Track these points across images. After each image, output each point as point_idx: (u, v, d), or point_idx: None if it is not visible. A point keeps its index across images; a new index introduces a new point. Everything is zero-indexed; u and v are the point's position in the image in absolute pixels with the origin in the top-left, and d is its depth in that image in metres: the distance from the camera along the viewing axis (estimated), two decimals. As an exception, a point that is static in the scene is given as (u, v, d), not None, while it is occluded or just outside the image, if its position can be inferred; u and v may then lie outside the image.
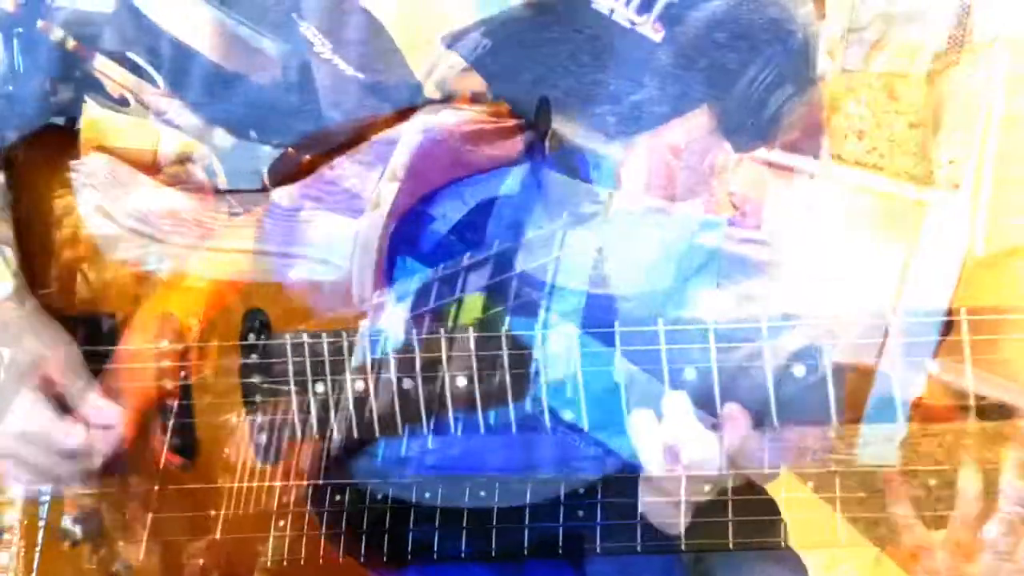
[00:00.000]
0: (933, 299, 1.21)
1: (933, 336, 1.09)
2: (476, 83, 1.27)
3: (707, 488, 1.15)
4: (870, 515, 1.12)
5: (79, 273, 1.39)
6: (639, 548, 1.21)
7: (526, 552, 1.25)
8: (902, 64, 1.27)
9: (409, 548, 1.27)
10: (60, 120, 1.40)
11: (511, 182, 1.25)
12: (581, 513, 1.24)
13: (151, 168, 1.36)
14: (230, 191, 1.35)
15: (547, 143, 1.24)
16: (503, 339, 1.21)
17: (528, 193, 1.25)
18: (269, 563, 1.31)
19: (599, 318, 1.20)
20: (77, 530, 1.37)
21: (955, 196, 1.24)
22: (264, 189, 1.32)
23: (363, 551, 1.29)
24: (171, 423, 1.34)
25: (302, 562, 1.30)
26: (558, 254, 1.23)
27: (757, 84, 1.23)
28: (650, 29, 1.23)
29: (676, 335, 1.14)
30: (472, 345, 1.21)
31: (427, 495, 1.28)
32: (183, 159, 1.35)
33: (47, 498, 1.39)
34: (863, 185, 1.27)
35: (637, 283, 1.23)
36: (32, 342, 1.34)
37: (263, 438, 1.30)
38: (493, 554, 1.24)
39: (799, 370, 1.11)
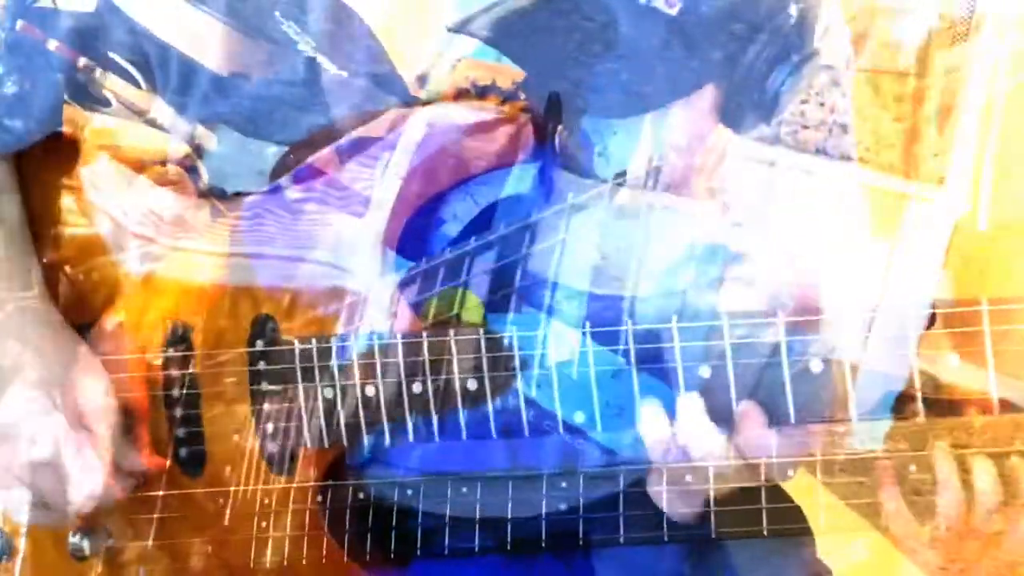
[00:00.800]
0: (917, 292, 1.21)
1: (918, 330, 1.09)
2: (462, 82, 1.26)
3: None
4: (861, 501, 1.12)
5: (79, 277, 1.39)
6: (622, 540, 1.20)
7: (509, 547, 1.25)
8: (887, 59, 1.27)
9: (392, 546, 1.27)
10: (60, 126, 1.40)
11: (522, 181, 1.24)
12: (563, 507, 1.23)
13: (152, 169, 1.36)
14: (215, 193, 1.35)
15: (557, 139, 1.23)
16: (491, 338, 1.21)
17: (539, 192, 1.24)
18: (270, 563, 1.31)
19: (610, 319, 1.19)
20: (85, 545, 1.35)
21: (940, 190, 1.24)
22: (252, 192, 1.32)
23: (364, 551, 1.29)
24: (179, 431, 1.34)
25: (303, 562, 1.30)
26: (564, 236, 1.22)
27: (761, 59, 1.22)
28: (664, 3, 1.21)
29: (688, 333, 1.14)
30: (458, 346, 1.21)
31: (409, 492, 1.28)
32: (183, 160, 1.35)
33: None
34: (848, 179, 1.27)
35: (652, 285, 1.22)
36: (15, 345, 1.34)
37: (273, 444, 1.30)
38: (476, 549, 1.24)
39: (816, 365, 1.11)
